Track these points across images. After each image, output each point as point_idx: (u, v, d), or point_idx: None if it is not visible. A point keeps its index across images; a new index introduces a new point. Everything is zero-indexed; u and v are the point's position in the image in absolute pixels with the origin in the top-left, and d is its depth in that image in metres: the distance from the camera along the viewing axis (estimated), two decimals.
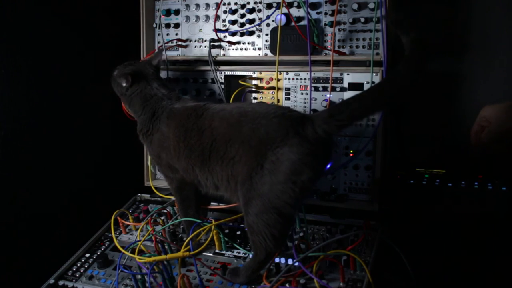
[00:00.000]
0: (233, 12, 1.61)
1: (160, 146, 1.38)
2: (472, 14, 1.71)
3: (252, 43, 1.61)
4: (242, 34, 1.62)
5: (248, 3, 1.59)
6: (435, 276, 1.36)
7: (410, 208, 1.48)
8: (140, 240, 1.38)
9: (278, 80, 1.58)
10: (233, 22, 1.61)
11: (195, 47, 1.69)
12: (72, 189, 1.70)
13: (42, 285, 1.34)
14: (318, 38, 1.50)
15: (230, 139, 1.20)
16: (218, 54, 1.65)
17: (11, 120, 1.47)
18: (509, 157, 1.54)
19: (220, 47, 1.65)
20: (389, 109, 1.50)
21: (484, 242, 1.34)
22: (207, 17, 1.66)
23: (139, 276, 1.26)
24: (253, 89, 1.60)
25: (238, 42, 1.63)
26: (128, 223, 1.55)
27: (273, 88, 1.59)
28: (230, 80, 1.66)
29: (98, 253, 1.46)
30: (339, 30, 1.49)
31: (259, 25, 1.58)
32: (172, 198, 1.63)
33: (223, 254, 1.39)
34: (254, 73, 1.61)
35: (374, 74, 1.44)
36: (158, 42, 1.73)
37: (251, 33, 1.61)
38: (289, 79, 1.57)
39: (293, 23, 1.50)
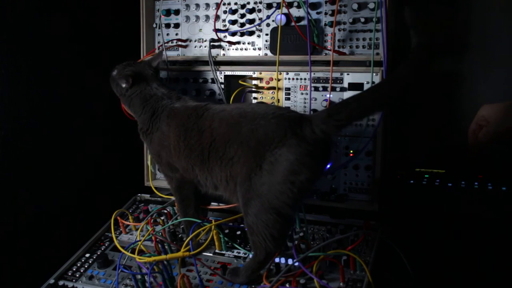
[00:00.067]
0: (233, 12, 1.61)
1: (160, 145, 1.38)
2: (472, 14, 1.71)
3: (252, 43, 1.61)
4: (242, 34, 1.62)
5: (248, 3, 1.59)
6: (435, 276, 1.36)
7: (410, 208, 1.48)
8: (140, 240, 1.38)
9: (278, 80, 1.58)
10: (233, 22, 1.61)
11: (195, 47, 1.69)
12: (72, 189, 1.70)
13: (42, 285, 1.34)
14: (318, 38, 1.50)
15: (229, 140, 1.20)
16: (218, 54, 1.65)
17: (11, 120, 1.47)
18: (509, 157, 1.54)
19: (220, 47, 1.65)
20: (388, 109, 1.50)
21: (484, 242, 1.34)
22: (207, 17, 1.66)
23: (139, 276, 1.26)
24: (253, 89, 1.60)
25: (238, 42, 1.63)
26: (128, 223, 1.55)
27: (273, 88, 1.59)
28: (230, 80, 1.66)
29: (98, 253, 1.46)
30: (339, 30, 1.49)
31: (259, 25, 1.58)
32: (172, 198, 1.63)
33: (223, 254, 1.39)
34: (254, 73, 1.61)
35: (374, 74, 1.44)
36: (158, 42, 1.73)
37: (251, 33, 1.61)
38: (289, 79, 1.57)
39: (293, 23, 1.50)
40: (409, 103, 1.78)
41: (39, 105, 1.56)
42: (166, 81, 1.72)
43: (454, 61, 1.76)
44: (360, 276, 1.22)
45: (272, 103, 1.60)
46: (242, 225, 1.44)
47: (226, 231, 1.44)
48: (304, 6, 1.49)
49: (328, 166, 1.45)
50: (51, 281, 1.35)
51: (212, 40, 1.64)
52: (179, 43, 1.69)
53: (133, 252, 1.34)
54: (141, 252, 1.34)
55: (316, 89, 1.53)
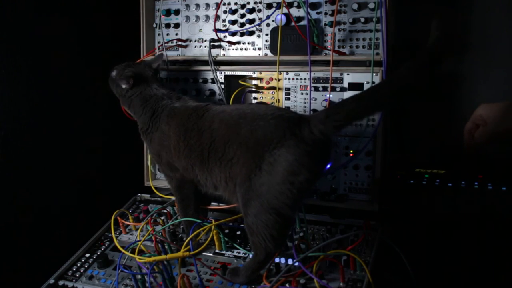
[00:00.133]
0: (233, 12, 1.61)
1: (160, 145, 1.38)
2: (472, 14, 1.71)
3: (252, 43, 1.61)
4: (242, 34, 1.62)
5: (248, 3, 1.59)
6: (435, 276, 1.36)
7: (410, 208, 1.48)
8: (140, 240, 1.38)
9: (278, 80, 1.58)
10: (233, 22, 1.61)
11: (195, 47, 1.69)
12: (72, 189, 1.70)
13: (42, 285, 1.34)
14: (318, 38, 1.50)
15: (229, 141, 1.21)
16: (218, 54, 1.65)
17: (11, 120, 1.47)
18: (509, 157, 1.54)
19: (220, 47, 1.65)
20: (388, 110, 1.50)
21: (484, 242, 1.34)
22: (207, 17, 1.66)
23: (139, 276, 1.26)
24: (253, 89, 1.60)
25: (238, 42, 1.63)
26: (128, 223, 1.55)
27: (273, 88, 1.59)
28: (230, 80, 1.66)
29: (98, 253, 1.46)
30: (339, 30, 1.49)
31: (259, 25, 1.58)
32: (172, 198, 1.63)
33: (223, 254, 1.39)
34: (254, 73, 1.61)
35: (374, 74, 1.44)
36: (158, 42, 1.73)
37: (251, 33, 1.61)
38: (289, 79, 1.57)
39: (293, 23, 1.50)
40: (409, 103, 1.78)
41: (39, 105, 1.56)
42: (166, 81, 1.72)
43: (454, 61, 1.76)
44: (360, 276, 1.22)
45: (272, 103, 1.60)
46: (242, 225, 1.44)
47: (226, 231, 1.44)
48: (304, 6, 1.49)
49: (328, 166, 1.45)
50: (51, 281, 1.35)
51: (212, 40, 1.64)
52: (179, 43, 1.69)
53: (133, 252, 1.34)
54: (141, 252, 1.34)
55: (316, 89, 1.53)
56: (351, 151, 1.50)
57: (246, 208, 1.18)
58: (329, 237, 1.38)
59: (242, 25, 1.61)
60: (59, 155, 1.65)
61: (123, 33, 1.86)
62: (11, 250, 1.48)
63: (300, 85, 1.56)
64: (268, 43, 1.58)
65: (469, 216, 1.39)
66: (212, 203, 1.55)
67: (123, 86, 1.44)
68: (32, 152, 1.55)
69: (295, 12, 1.53)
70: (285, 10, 1.51)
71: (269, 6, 1.57)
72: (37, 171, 1.57)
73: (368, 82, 1.46)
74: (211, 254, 1.39)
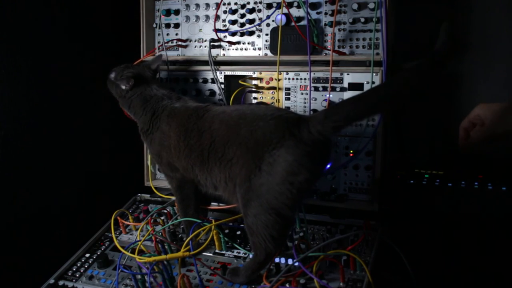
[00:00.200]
0: (233, 12, 1.61)
1: (160, 145, 1.38)
2: (472, 14, 1.71)
3: (252, 43, 1.61)
4: (242, 34, 1.62)
5: (248, 3, 1.59)
6: (435, 276, 1.36)
7: (410, 208, 1.48)
8: (140, 240, 1.38)
9: (278, 80, 1.58)
10: (233, 22, 1.61)
11: (195, 47, 1.69)
12: (72, 189, 1.70)
13: (42, 285, 1.34)
14: (318, 38, 1.50)
15: (228, 141, 1.21)
16: (218, 54, 1.65)
17: (11, 120, 1.47)
18: (509, 157, 1.54)
19: (220, 47, 1.65)
20: (386, 112, 1.50)
21: (484, 242, 1.34)
22: (207, 17, 1.66)
23: (139, 276, 1.26)
24: (253, 89, 1.60)
25: (238, 42, 1.63)
26: (128, 223, 1.55)
27: (273, 88, 1.59)
28: (230, 80, 1.66)
29: (98, 253, 1.46)
30: (339, 30, 1.49)
31: (259, 25, 1.58)
32: (172, 198, 1.63)
33: (223, 254, 1.39)
34: (254, 73, 1.61)
35: (374, 74, 1.44)
36: (158, 42, 1.73)
37: (251, 33, 1.61)
38: (289, 79, 1.57)
39: (293, 23, 1.50)
40: (409, 103, 1.78)
41: (39, 105, 1.56)
42: (166, 81, 1.72)
43: (454, 61, 1.76)
44: (360, 276, 1.22)
45: (272, 103, 1.60)
46: (242, 225, 1.44)
47: (226, 231, 1.44)
48: (304, 6, 1.49)
49: (328, 166, 1.45)
50: (51, 281, 1.35)
51: (212, 40, 1.64)
52: (179, 43, 1.69)
53: (133, 252, 1.34)
54: (141, 252, 1.34)
55: (316, 89, 1.53)
56: (351, 151, 1.50)
57: (246, 208, 1.18)
58: (329, 237, 1.38)
59: (242, 25, 1.61)
60: (59, 155, 1.65)
61: (123, 33, 1.86)
62: (11, 250, 1.48)
63: (300, 85, 1.56)
64: (268, 43, 1.58)
65: (469, 216, 1.39)
66: (212, 203, 1.55)
67: (123, 87, 1.44)
68: (32, 152, 1.55)
69: (295, 12, 1.53)
70: (285, 10, 1.51)
71: (269, 6, 1.57)
72: (37, 171, 1.57)
73: (368, 82, 1.46)
74: (211, 254, 1.39)
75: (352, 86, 1.49)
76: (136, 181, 1.79)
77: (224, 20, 1.63)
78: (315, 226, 1.47)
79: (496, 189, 1.46)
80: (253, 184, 1.15)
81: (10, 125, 1.46)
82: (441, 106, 1.78)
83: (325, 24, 1.50)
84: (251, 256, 1.32)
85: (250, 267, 1.23)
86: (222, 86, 1.65)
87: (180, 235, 1.48)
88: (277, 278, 1.20)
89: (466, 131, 1.25)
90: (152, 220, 1.53)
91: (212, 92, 1.67)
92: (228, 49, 1.65)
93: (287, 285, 1.19)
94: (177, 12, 1.69)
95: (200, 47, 1.69)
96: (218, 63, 1.65)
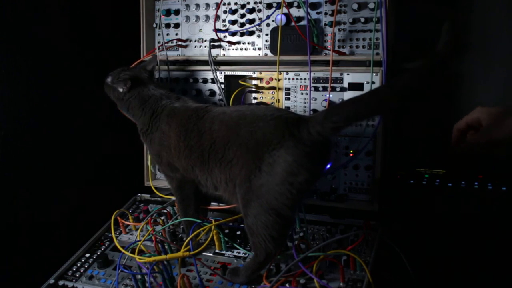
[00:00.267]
0: (233, 12, 1.61)
1: (160, 145, 1.38)
2: (472, 14, 1.71)
3: (252, 43, 1.61)
4: (242, 34, 1.62)
5: (248, 3, 1.59)
6: (435, 276, 1.36)
7: (410, 208, 1.48)
8: (140, 240, 1.38)
9: (278, 80, 1.58)
10: (233, 22, 1.61)
11: (195, 47, 1.69)
12: (72, 189, 1.70)
13: (42, 285, 1.34)
14: (318, 38, 1.50)
15: (229, 142, 1.21)
16: (218, 54, 1.65)
17: (11, 120, 1.47)
18: (509, 157, 1.54)
19: (220, 47, 1.65)
20: (386, 114, 1.50)
21: (484, 242, 1.34)
22: (207, 17, 1.66)
23: (139, 276, 1.26)
24: (253, 89, 1.60)
25: (238, 42, 1.63)
26: (128, 223, 1.55)
27: (273, 88, 1.59)
28: (230, 80, 1.66)
29: (98, 253, 1.46)
30: (339, 30, 1.49)
31: (259, 25, 1.58)
32: (172, 198, 1.63)
33: (223, 254, 1.39)
34: (254, 73, 1.61)
35: (374, 74, 1.44)
36: (158, 42, 1.73)
37: (251, 33, 1.61)
38: (289, 79, 1.57)
39: (293, 23, 1.50)
40: (409, 103, 1.78)
41: (39, 105, 1.56)
42: (166, 81, 1.72)
43: (454, 61, 1.76)
44: (360, 276, 1.22)
45: (272, 103, 1.60)
46: (242, 225, 1.44)
47: (226, 231, 1.44)
48: (304, 6, 1.49)
49: (328, 166, 1.45)
50: (51, 281, 1.35)
51: (212, 40, 1.64)
52: (179, 43, 1.69)
53: (133, 252, 1.34)
54: (141, 252, 1.34)
55: (316, 89, 1.53)
56: (351, 151, 1.50)
57: (246, 209, 1.18)
58: (329, 237, 1.38)
59: (242, 25, 1.61)
60: (59, 155, 1.65)
61: (123, 33, 1.86)
62: (11, 250, 1.48)
63: (300, 85, 1.56)
64: (268, 43, 1.58)
65: (469, 216, 1.39)
66: (212, 203, 1.55)
67: (121, 90, 1.44)
68: (32, 152, 1.55)
69: (295, 12, 1.53)
70: (285, 10, 1.51)
71: (269, 6, 1.57)
72: (37, 171, 1.57)
73: (368, 82, 1.46)
74: (211, 254, 1.39)
75: (352, 86, 1.49)
76: (136, 181, 1.79)
77: (224, 20, 1.63)
78: (315, 226, 1.47)
79: (496, 189, 1.46)
80: (253, 184, 1.15)
81: (10, 125, 1.46)
82: (441, 106, 1.78)
83: (325, 24, 1.50)
84: (251, 256, 1.32)
85: (250, 267, 1.23)
86: (222, 86, 1.65)
87: (180, 235, 1.48)
88: (277, 278, 1.20)
89: (460, 132, 1.24)
90: (152, 220, 1.53)
91: (212, 92, 1.67)
92: (228, 49, 1.65)
93: (287, 285, 1.19)
94: (177, 12, 1.69)
95: (200, 47, 1.69)
96: (218, 63, 1.65)
